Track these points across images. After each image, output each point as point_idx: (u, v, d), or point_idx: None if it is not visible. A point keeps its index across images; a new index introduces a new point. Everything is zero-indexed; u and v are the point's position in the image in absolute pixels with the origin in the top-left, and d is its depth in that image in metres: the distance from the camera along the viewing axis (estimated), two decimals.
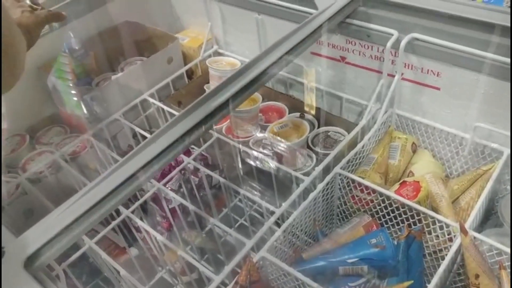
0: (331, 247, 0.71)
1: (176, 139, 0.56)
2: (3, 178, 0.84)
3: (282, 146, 0.82)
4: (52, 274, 0.52)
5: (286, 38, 0.68)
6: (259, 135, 0.89)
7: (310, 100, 0.96)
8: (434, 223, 0.67)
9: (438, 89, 0.79)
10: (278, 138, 0.83)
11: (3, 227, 0.49)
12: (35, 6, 0.67)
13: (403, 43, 0.75)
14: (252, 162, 0.86)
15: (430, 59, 0.77)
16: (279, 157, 0.84)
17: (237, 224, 0.93)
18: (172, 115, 0.93)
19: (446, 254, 0.67)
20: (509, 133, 0.73)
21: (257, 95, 0.90)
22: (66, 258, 0.70)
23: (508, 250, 0.61)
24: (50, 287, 0.45)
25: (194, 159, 0.84)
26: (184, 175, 0.85)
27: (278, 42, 0.67)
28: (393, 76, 0.81)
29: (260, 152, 0.85)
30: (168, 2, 1.12)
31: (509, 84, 0.69)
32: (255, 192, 0.90)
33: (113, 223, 0.73)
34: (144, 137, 0.90)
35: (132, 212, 0.76)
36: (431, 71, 0.78)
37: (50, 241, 0.48)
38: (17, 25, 0.49)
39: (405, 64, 0.80)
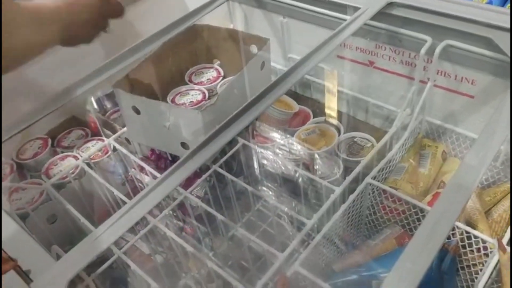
0: (363, 259, 0.70)
1: (216, 151, 0.56)
2: (27, 184, 0.83)
3: (310, 153, 0.81)
4: None
5: (320, 47, 0.67)
6: (286, 140, 0.88)
7: (335, 105, 0.94)
8: (469, 238, 0.66)
9: (472, 97, 0.77)
10: (306, 145, 0.82)
11: (42, 250, 0.48)
12: None
13: (437, 50, 0.73)
14: (277, 168, 0.85)
15: (464, 67, 0.75)
16: (306, 164, 0.82)
17: (261, 229, 0.92)
18: None
19: (481, 269, 0.66)
20: None
21: (293, 103, 0.89)
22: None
23: None
24: None
25: (220, 165, 0.83)
26: (210, 181, 0.83)
27: (312, 51, 0.66)
28: (425, 82, 0.79)
29: (287, 158, 0.84)
30: (184, 4, 1.10)
31: None
32: (276, 197, 0.89)
33: (141, 232, 0.72)
34: None
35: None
36: (465, 78, 0.76)
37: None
38: None
39: (438, 71, 0.78)
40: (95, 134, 0.97)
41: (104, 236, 0.51)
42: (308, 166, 0.83)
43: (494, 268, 0.63)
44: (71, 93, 0.73)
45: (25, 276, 0.47)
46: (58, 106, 0.70)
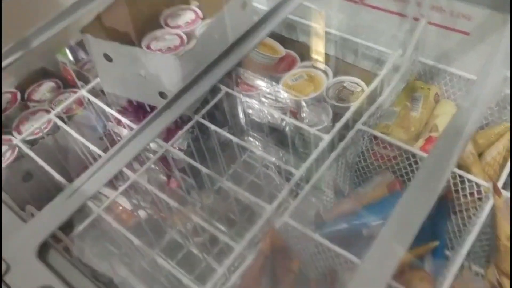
0: (353, 207, 0.68)
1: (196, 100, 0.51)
2: None
3: (297, 100, 0.76)
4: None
5: None
6: (271, 88, 0.83)
7: (323, 47, 0.89)
8: (463, 182, 0.63)
9: (467, 34, 0.72)
10: (293, 92, 0.77)
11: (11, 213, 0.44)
12: None
13: None
14: (263, 117, 0.81)
15: (460, 0, 0.70)
16: (293, 112, 0.78)
17: (248, 181, 0.90)
18: None
19: (473, 214, 0.65)
20: None
21: (279, 46, 0.84)
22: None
23: None
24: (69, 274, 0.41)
25: (202, 116, 0.78)
26: (192, 133, 0.79)
27: None
28: (418, 20, 0.74)
29: (273, 107, 0.80)
30: None
31: None
32: (262, 148, 0.86)
33: (121, 188, 0.69)
34: None
35: None
36: (461, 14, 0.71)
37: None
38: None
39: (433, 6, 0.72)
40: (69, 86, 0.91)
41: (79, 192, 0.47)
42: (295, 114, 0.80)
43: (489, 212, 0.61)
44: (36, 39, 0.66)
45: None
46: (21, 54, 0.64)
